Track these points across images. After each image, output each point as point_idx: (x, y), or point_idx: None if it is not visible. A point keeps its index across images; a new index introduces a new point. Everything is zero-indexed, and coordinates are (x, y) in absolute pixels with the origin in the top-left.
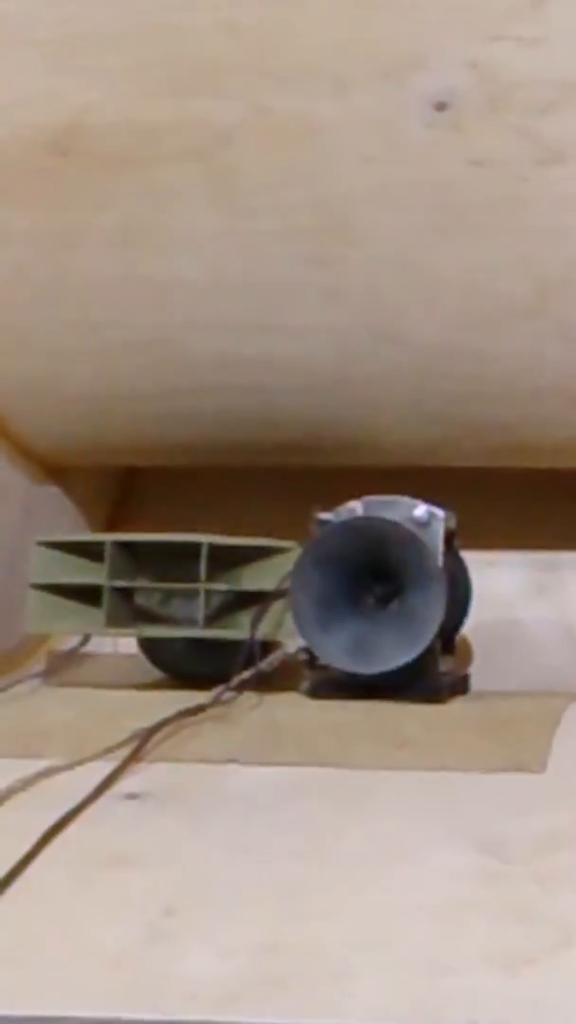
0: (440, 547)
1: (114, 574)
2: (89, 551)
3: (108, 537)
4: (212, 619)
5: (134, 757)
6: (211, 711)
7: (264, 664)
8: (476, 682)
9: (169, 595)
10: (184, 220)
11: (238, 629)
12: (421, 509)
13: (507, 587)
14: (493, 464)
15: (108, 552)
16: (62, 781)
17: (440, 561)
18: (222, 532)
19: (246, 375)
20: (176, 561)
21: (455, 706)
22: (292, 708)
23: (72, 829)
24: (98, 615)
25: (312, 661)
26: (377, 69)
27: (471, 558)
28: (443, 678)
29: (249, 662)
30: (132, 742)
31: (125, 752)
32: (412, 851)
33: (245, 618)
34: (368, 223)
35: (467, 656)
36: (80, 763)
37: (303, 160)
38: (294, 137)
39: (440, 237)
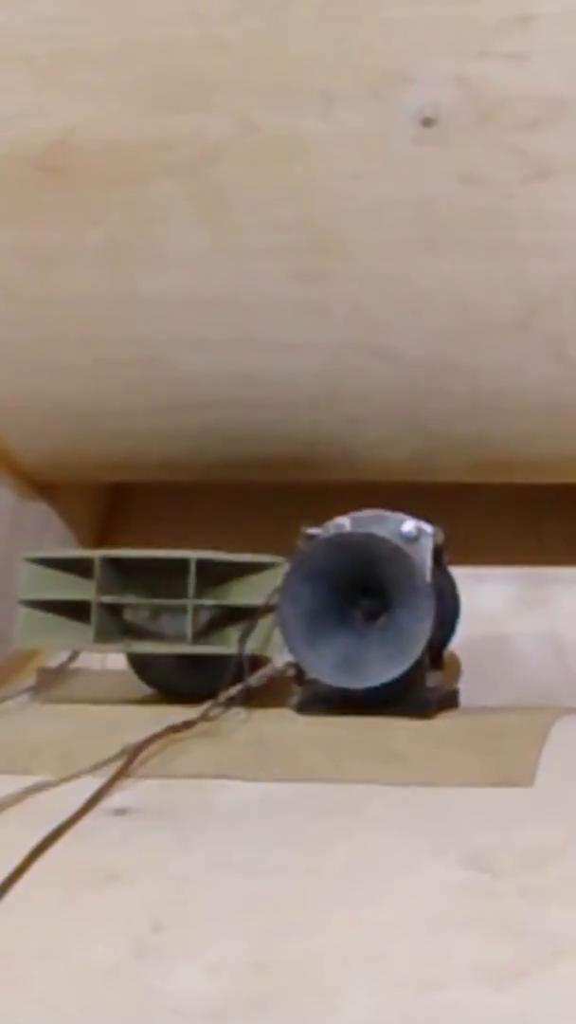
0: (428, 562)
1: (103, 590)
2: (78, 567)
3: (97, 553)
4: (200, 635)
5: (123, 773)
6: (200, 727)
7: (252, 679)
8: (465, 697)
9: (158, 611)
10: (172, 237)
11: (226, 645)
12: (409, 524)
13: (496, 602)
14: (481, 479)
15: (97, 568)
16: (51, 797)
17: (428, 576)
18: (210, 547)
19: (234, 391)
20: (165, 577)
21: (443, 721)
22: (280, 723)
23: (61, 845)
24: (87, 631)
25: (300, 676)
26: (364, 84)
27: (459, 573)
28: (431, 693)
29: (237, 678)
30: (121, 758)
31: (114, 768)
32: (401, 866)
33: (234, 633)
34: (355, 239)
35: (455, 671)
36: (69, 779)
37: (291, 176)
38: (282, 153)
39: (427, 253)
